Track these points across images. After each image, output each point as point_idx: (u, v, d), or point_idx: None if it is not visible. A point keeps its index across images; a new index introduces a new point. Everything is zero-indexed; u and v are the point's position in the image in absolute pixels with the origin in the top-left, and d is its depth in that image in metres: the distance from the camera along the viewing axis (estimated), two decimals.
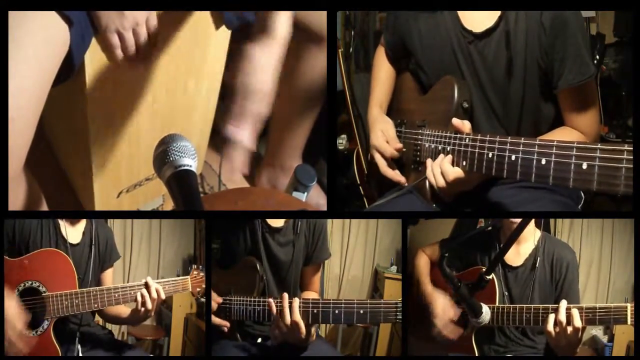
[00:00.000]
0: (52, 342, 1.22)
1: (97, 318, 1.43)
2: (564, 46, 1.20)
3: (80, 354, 1.28)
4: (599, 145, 0.82)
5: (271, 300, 1.19)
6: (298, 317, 1.17)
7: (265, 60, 1.21)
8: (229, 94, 1.20)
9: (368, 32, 2.49)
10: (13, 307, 1.16)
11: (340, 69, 1.96)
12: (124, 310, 1.33)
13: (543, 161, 0.92)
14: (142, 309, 1.26)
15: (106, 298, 1.25)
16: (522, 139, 0.98)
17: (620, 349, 1.61)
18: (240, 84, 1.19)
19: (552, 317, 1.17)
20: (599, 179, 0.82)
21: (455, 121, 1.19)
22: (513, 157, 0.99)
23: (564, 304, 1.16)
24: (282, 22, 1.27)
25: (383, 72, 1.57)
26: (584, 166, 0.84)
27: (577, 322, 1.14)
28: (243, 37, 1.28)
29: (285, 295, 1.18)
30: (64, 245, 1.27)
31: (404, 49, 1.46)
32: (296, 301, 1.18)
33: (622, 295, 1.72)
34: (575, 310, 1.15)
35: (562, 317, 1.15)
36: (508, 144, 1.01)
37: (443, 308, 1.29)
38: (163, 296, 1.28)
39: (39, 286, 1.21)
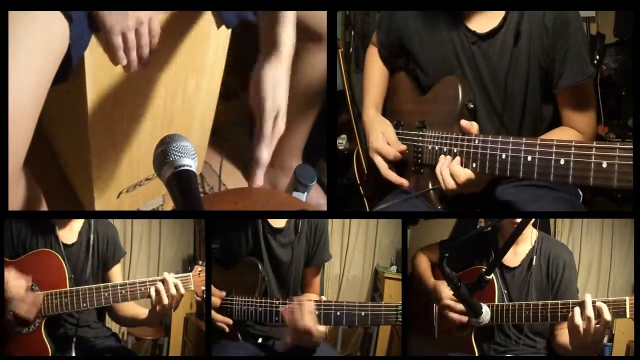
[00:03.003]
0: (42, 340, 1.24)
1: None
2: (566, 46, 1.21)
3: (74, 354, 1.28)
4: (618, 145, 0.87)
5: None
6: (314, 321, 1.18)
7: (277, 78, 1.20)
8: (253, 117, 1.21)
9: (368, 32, 2.48)
10: (12, 275, 1.21)
11: (340, 69, 1.96)
12: (142, 311, 1.33)
13: (562, 161, 0.95)
14: (158, 306, 1.24)
15: (95, 297, 1.24)
16: (538, 139, 1.01)
17: (620, 349, 1.60)
18: (257, 106, 1.19)
19: (577, 311, 1.10)
20: (619, 176, 0.86)
21: (464, 122, 1.19)
22: (529, 158, 1.01)
23: (589, 298, 1.11)
24: (288, 33, 1.25)
25: (376, 72, 1.55)
26: (604, 165, 0.88)
27: (607, 315, 1.08)
28: (251, 59, 1.27)
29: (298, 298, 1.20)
30: (58, 246, 1.28)
31: (400, 48, 1.45)
32: (311, 305, 1.18)
33: (621, 295, 1.70)
34: (602, 304, 1.09)
35: (590, 311, 1.09)
36: (523, 145, 1.03)
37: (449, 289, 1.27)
38: (182, 291, 1.24)
39: (32, 286, 1.23)
